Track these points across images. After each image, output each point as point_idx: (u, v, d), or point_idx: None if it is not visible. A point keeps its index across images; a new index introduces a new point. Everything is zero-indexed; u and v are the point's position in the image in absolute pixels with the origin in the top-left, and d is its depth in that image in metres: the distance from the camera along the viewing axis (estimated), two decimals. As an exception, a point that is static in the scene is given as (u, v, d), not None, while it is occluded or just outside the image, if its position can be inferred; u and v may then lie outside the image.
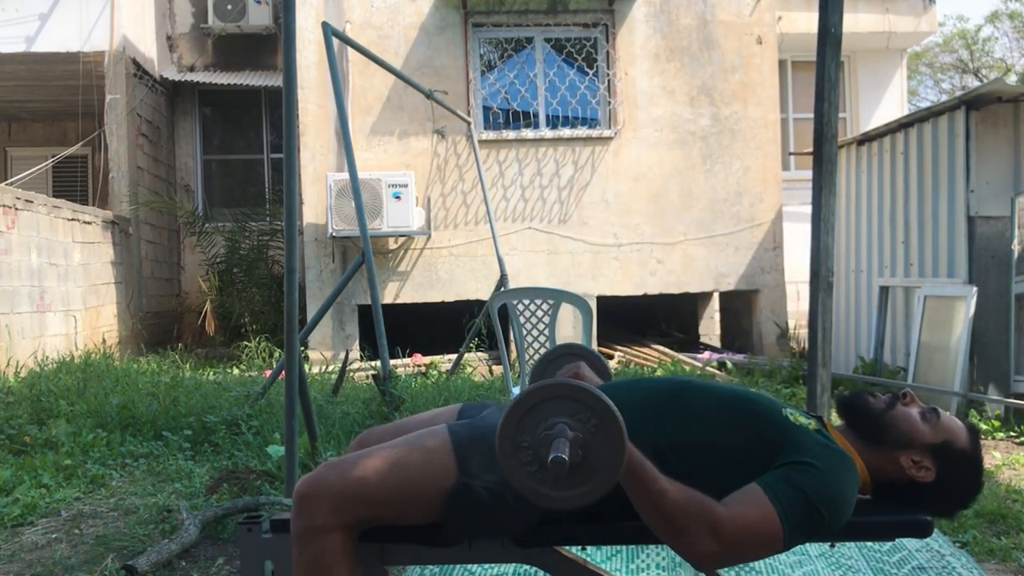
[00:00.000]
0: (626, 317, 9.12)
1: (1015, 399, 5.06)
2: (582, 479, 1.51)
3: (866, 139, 6.82)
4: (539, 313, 4.05)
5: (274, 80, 10.10)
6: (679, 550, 1.57)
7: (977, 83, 20.29)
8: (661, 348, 8.16)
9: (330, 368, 7.38)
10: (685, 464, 1.66)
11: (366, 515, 1.67)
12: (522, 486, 1.53)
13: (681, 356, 7.73)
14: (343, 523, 1.64)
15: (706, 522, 1.53)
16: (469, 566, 2.86)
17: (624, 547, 3.01)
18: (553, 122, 8.45)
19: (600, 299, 8.27)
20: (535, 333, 4.09)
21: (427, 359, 7.61)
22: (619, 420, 1.48)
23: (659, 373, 7.17)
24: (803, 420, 1.74)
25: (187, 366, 7.67)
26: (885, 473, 1.74)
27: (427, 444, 1.71)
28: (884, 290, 6.39)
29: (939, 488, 1.73)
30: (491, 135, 8.25)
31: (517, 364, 4.38)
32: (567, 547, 1.83)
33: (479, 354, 7.77)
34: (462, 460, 1.67)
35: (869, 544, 3.01)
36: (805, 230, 3.93)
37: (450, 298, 8.23)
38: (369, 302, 5.85)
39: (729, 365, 7.42)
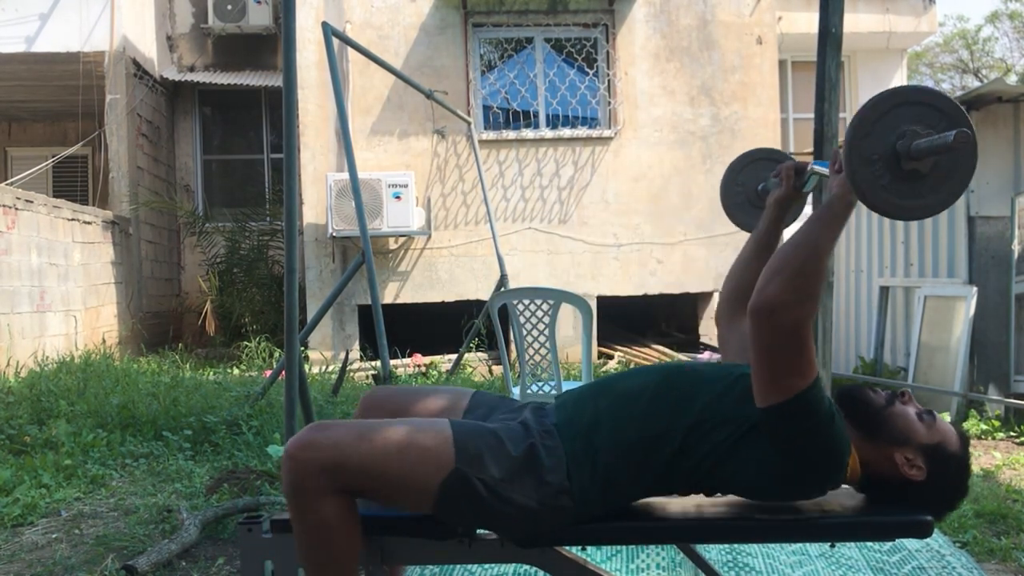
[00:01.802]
0: (626, 317, 9.12)
1: (1015, 399, 5.06)
2: (933, 187, 1.47)
3: (866, 139, 6.81)
4: (539, 313, 4.05)
5: (274, 80, 10.10)
6: (762, 281, 1.59)
7: (977, 83, 20.29)
8: (661, 348, 8.16)
9: (330, 368, 7.38)
10: (707, 441, 1.70)
11: (356, 485, 1.65)
12: (876, 200, 1.51)
13: (681, 356, 7.73)
14: (335, 487, 1.63)
15: (793, 305, 1.56)
16: (469, 566, 2.85)
17: (624, 547, 3.01)
18: (553, 122, 8.45)
19: (600, 299, 8.27)
20: (535, 333, 4.09)
21: (427, 359, 7.61)
22: (971, 124, 1.47)
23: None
24: None
25: (187, 366, 7.67)
26: (876, 466, 1.75)
27: (428, 431, 1.70)
28: (884, 290, 6.39)
29: (928, 488, 1.74)
30: (491, 135, 8.25)
31: (517, 364, 4.38)
32: (567, 547, 1.83)
33: (479, 354, 7.77)
34: (461, 450, 1.67)
35: (869, 544, 3.01)
36: (805, 230, 3.92)
37: (450, 298, 8.23)
38: (369, 302, 5.85)
39: (729, 365, 7.41)
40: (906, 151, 1.49)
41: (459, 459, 1.65)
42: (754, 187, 2.29)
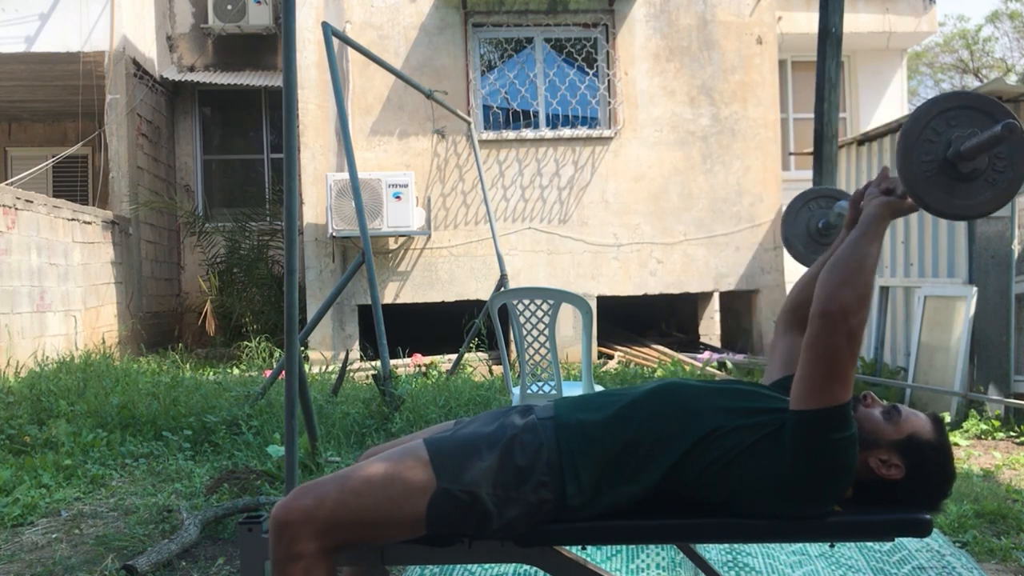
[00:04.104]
0: (626, 317, 9.12)
1: (1015, 399, 5.06)
2: (983, 187, 1.56)
3: (866, 139, 6.82)
4: (539, 313, 4.05)
5: (274, 80, 10.11)
6: (831, 288, 1.65)
7: (977, 83, 20.30)
8: (661, 348, 8.17)
9: (330, 368, 7.38)
10: (714, 448, 1.71)
11: (348, 538, 1.67)
12: (924, 195, 1.59)
13: (681, 356, 7.73)
14: (323, 548, 1.64)
15: (859, 310, 1.64)
16: (469, 566, 2.86)
17: (624, 547, 3.01)
18: (553, 122, 8.45)
19: (600, 299, 8.27)
20: (535, 333, 4.09)
21: (427, 359, 7.61)
22: (1013, 114, 1.55)
23: (659, 373, 7.17)
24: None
25: (187, 366, 7.67)
26: (858, 477, 1.74)
27: (405, 460, 1.72)
28: (884, 290, 6.39)
29: (912, 483, 1.73)
30: (491, 135, 8.25)
31: (517, 364, 4.38)
32: (567, 547, 1.83)
33: (479, 354, 7.77)
34: (439, 468, 1.69)
35: (869, 544, 3.01)
36: (805, 230, 3.92)
37: (450, 298, 8.23)
38: (369, 302, 5.85)
39: (729, 365, 7.42)
40: (957, 154, 1.57)
41: (439, 476, 1.67)
42: (816, 223, 2.42)
